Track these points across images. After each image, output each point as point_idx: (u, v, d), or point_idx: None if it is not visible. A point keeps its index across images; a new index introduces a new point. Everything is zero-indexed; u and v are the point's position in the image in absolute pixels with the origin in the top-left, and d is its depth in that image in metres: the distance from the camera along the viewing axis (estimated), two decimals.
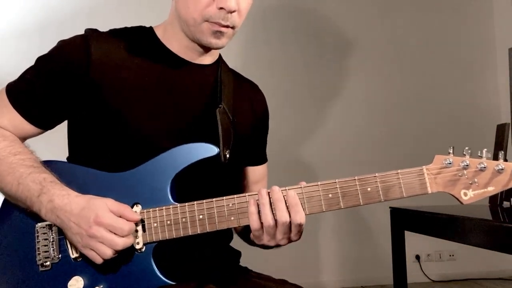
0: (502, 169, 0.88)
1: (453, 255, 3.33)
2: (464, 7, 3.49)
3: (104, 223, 0.89)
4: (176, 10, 1.08)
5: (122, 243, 0.89)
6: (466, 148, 0.91)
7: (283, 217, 0.90)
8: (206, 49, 1.09)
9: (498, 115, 3.26)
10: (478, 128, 3.22)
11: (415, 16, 3.42)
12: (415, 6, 3.42)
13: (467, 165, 0.90)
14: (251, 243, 1.04)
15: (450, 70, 3.43)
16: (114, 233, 0.89)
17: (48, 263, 0.97)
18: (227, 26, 1.02)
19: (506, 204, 1.70)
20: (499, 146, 1.72)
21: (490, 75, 3.48)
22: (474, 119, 3.37)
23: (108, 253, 0.89)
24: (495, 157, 0.91)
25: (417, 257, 3.30)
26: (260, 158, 1.28)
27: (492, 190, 0.90)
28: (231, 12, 1.00)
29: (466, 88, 3.44)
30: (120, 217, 0.91)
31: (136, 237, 0.95)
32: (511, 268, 3.33)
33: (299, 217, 0.90)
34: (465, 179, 0.90)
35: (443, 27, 3.44)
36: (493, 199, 1.76)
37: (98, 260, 0.90)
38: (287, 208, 0.91)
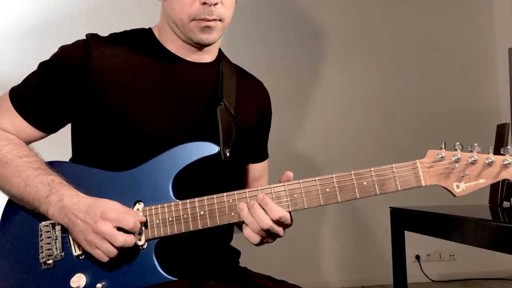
0: (492, 161, 0.92)
1: (453, 255, 3.33)
2: (464, 7, 3.50)
3: (110, 218, 0.91)
4: (165, 12, 1.10)
5: (123, 239, 0.90)
6: (457, 143, 0.94)
7: (263, 219, 0.93)
8: (200, 46, 1.10)
9: (498, 115, 3.26)
10: (478, 128, 3.22)
11: (415, 16, 3.42)
12: (415, 6, 3.43)
13: (458, 159, 0.93)
14: None
15: (450, 70, 3.43)
16: (119, 229, 0.91)
17: (50, 261, 0.99)
18: (214, 20, 1.04)
19: (506, 204, 1.70)
20: (499, 146, 1.72)
21: (490, 75, 3.48)
22: (474, 119, 3.37)
23: (112, 250, 0.90)
24: (496, 151, 0.94)
25: (417, 257, 3.30)
26: (261, 155, 1.29)
27: (483, 182, 0.93)
28: (214, 4, 1.02)
29: (466, 88, 3.44)
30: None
31: (138, 233, 0.96)
32: (511, 268, 3.33)
33: (274, 213, 0.92)
34: (457, 172, 0.93)
35: (443, 27, 3.45)
36: (493, 199, 1.76)
37: (104, 258, 0.92)
38: (264, 210, 0.93)
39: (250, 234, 0.95)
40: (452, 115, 3.38)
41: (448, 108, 3.38)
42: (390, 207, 1.79)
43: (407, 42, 3.39)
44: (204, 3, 1.01)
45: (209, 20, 1.03)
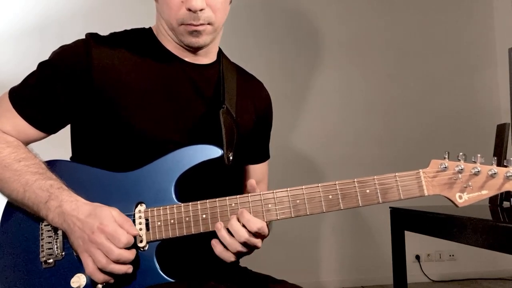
0: (495, 173, 0.92)
1: (453, 255, 3.33)
2: (464, 7, 3.49)
3: (106, 231, 0.90)
4: (158, 14, 1.11)
5: (117, 253, 0.90)
6: (461, 153, 0.94)
7: (239, 231, 0.93)
8: (194, 49, 1.10)
9: (498, 115, 3.26)
10: (478, 128, 3.22)
11: (415, 16, 3.42)
12: (415, 6, 3.43)
13: (461, 169, 0.93)
14: None
15: (450, 70, 3.43)
16: (113, 243, 0.90)
17: (51, 260, 0.99)
18: (201, 24, 1.04)
19: (506, 204, 1.70)
20: (499, 146, 1.72)
21: (490, 75, 3.48)
22: (474, 119, 3.37)
23: (103, 261, 0.90)
24: (498, 161, 0.94)
25: (417, 257, 3.30)
26: (262, 156, 1.29)
27: (486, 193, 0.93)
28: (199, 10, 1.02)
29: (466, 88, 3.44)
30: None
31: (139, 236, 0.96)
32: (511, 268, 3.33)
33: (252, 225, 0.92)
34: (460, 183, 0.93)
35: (443, 27, 3.45)
36: (493, 199, 1.75)
37: (90, 267, 0.91)
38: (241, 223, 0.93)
39: (224, 253, 0.94)
40: (452, 115, 3.37)
41: (448, 108, 3.38)
42: (390, 207, 1.79)
43: (406, 42, 3.39)
44: (189, 9, 1.01)
45: (196, 25, 1.03)
